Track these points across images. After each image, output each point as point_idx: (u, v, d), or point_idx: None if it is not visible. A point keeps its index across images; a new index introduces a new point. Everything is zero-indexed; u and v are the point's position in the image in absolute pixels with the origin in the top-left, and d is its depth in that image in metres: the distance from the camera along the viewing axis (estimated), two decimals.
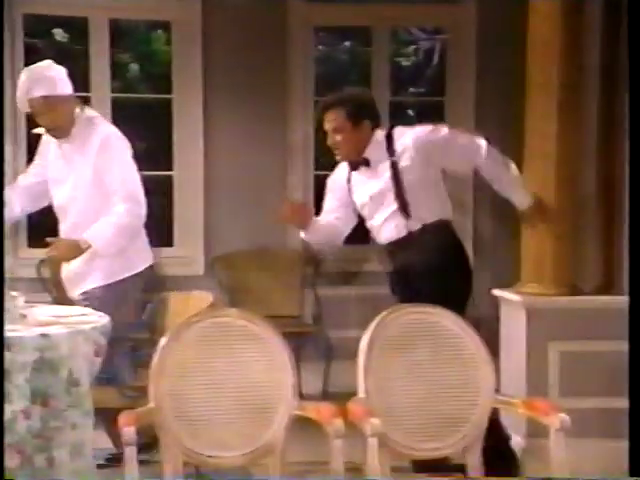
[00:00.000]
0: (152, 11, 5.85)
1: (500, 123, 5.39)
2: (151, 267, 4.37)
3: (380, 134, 4.05)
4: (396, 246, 4.05)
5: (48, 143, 4.33)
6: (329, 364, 5.54)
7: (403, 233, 4.00)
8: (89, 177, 4.18)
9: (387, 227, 4.06)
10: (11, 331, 3.25)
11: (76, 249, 4.11)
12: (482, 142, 4.03)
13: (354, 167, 4.09)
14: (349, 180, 4.15)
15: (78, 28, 5.92)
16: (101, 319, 3.55)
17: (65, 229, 4.29)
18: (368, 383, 3.08)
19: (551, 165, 4.40)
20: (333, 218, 4.17)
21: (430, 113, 6.42)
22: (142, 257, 4.33)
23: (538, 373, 4.39)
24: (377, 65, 6.03)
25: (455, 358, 3.16)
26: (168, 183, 5.89)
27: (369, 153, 4.03)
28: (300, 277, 5.74)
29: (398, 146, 4.01)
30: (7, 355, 3.13)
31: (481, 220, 5.99)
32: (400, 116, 7.18)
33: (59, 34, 7.46)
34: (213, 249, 5.76)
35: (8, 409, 3.13)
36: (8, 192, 4.34)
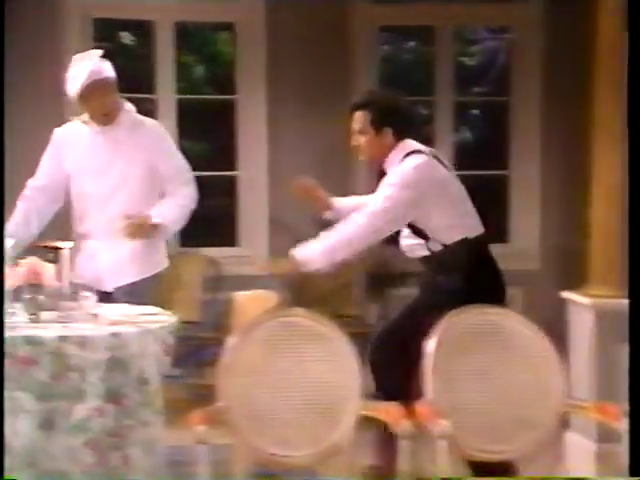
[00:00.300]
0: (216, 13, 5.91)
1: (567, 121, 5.33)
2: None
3: (402, 146, 3.89)
4: (423, 262, 3.96)
5: (72, 136, 4.28)
6: None
7: (426, 252, 3.90)
8: (141, 165, 4.22)
9: (412, 244, 3.95)
10: (83, 330, 3.31)
11: (148, 228, 4.13)
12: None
13: (380, 174, 3.98)
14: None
15: (144, 31, 6.00)
16: (169, 318, 3.60)
17: (103, 219, 4.23)
18: (435, 384, 3.08)
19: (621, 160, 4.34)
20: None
21: (495, 113, 6.37)
22: (165, 255, 4.38)
23: (607, 376, 4.33)
24: (441, 65, 6.01)
25: (524, 360, 3.13)
26: (232, 183, 5.94)
27: (387, 163, 3.92)
28: (363, 276, 5.75)
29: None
30: (81, 354, 3.20)
31: (548, 221, 5.95)
32: (465, 116, 7.15)
33: (126, 37, 7.57)
34: (277, 249, 5.79)
35: (82, 407, 3.19)
36: (19, 205, 4.27)
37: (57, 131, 4.32)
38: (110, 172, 4.21)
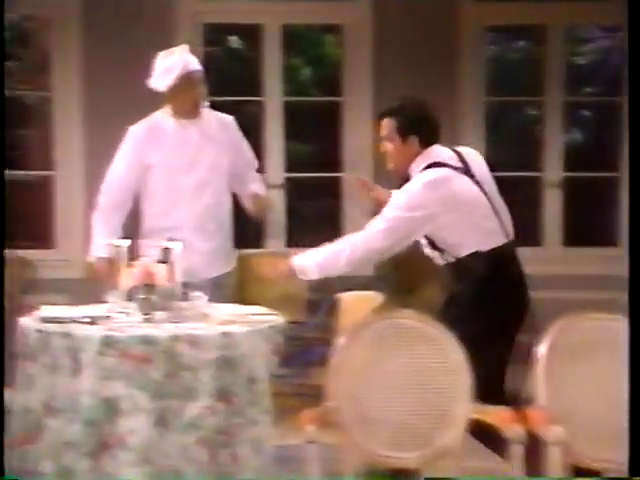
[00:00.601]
0: (324, 15, 5.93)
1: None
2: None
3: (427, 154, 3.82)
4: (444, 271, 3.91)
5: (155, 130, 4.31)
6: None
7: (442, 262, 3.87)
8: (226, 157, 4.33)
9: (430, 252, 3.90)
10: (194, 329, 3.37)
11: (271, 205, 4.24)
12: None
13: (403, 182, 3.90)
14: None
15: (252, 34, 6.08)
16: (277, 318, 3.63)
17: (194, 212, 4.30)
18: (547, 390, 3.03)
19: None
20: None
21: (608, 113, 6.22)
22: None
23: None
24: (551, 64, 5.90)
25: None
26: (337, 185, 5.96)
27: (411, 171, 3.84)
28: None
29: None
30: (192, 352, 3.25)
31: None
32: (575, 117, 7.00)
33: (234, 41, 7.68)
34: None
35: (194, 405, 3.24)
36: (103, 208, 4.32)
37: (134, 128, 4.34)
38: (201, 165, 4.29)
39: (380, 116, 3.93)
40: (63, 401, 3.28)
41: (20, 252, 5.54)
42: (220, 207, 4.39)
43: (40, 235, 6.04)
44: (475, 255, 3.77)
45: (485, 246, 3.78)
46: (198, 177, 4.30)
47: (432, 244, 3.84)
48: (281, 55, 5.78)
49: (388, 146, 3.89)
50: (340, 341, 3.13)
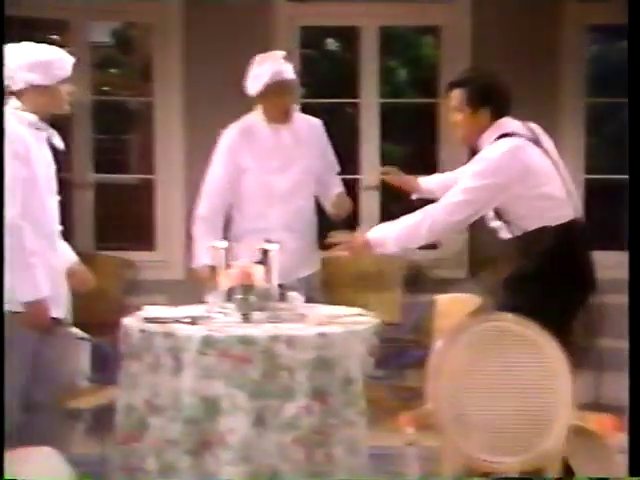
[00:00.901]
0: (421, 17, 5.93)
1: None
2: None
3: (497, 126, 3.76)
4: (507, 245, 3.83)
5: (249, 133, 4.35)
6: (600, 375, 5.35)
7: (509, 235, 3.79)
8: (317, 160, 4.39)
9: (497, 225, 3.84)
10: (292, 330, 3.41)
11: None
12: None
13: (473, 152, 3.88)
14: None
15: (349, 37, 6.11)
16: (373, 320, 3.64)
17: (288, 213, 4.35)
18: None
19: None
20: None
21: None
22: None
23: None
24: None
25: None
26: None
27: (480, 143, 3.79)
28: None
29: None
30: (289, 353, 3.29)
31: None
32: None
33: (331, 44, 7.73)
34: (476, 252, 5.74)
35: (291, 405, 3.27)
36: (206, 211, 4.35)
37: (228, 132, 4.39)
38: (294, 167, 4.35)
39: (450, 87, 3.89)
40: (165, 400, 3.35)
41: (122, 254, 5.70)
42: (309, 208, 4.46)
43: (141, 237, 6.19)
44: (543, 229, 3.72)
45: (553, 221, 3.73)
46: (291, 179, 4.36)
47: (500, 216, 3.79)
48: (378, 57, 5.78)
49: (458, 117, 3.85)
50: (438, 343, 3.12)
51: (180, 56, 5.55)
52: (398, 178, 4.25)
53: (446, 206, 3.72)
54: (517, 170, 3.68)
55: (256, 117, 4.37)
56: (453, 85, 3.86)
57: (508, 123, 3.78)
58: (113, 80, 8.63)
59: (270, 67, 4.25)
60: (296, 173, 4.36)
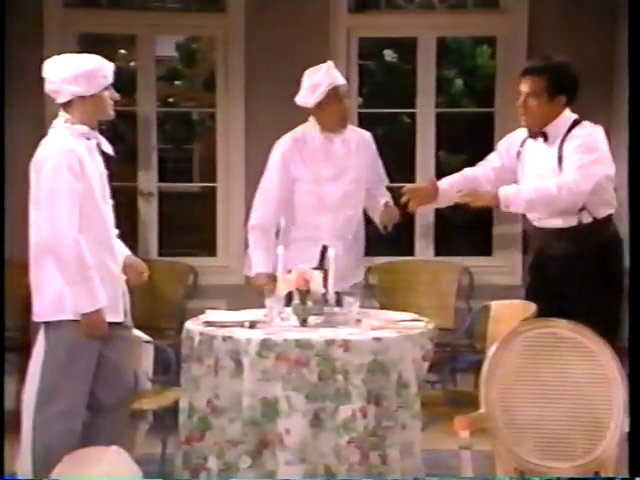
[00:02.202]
0: (478, 27, 5.96)
1: None
2: None
3: (569, 114, 3.92)
4: (560, 234, 3.89)
5: (300, 144, 4.39)
6: None
7: (573, 223, 3.84)
8: (366, 170, 4.45)
9: (555, 211, 3.91)
10: (348, 334, 3.48)
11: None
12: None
13: (533, 135, 3.97)
14: (523, 144, 4.04)
15: (406, 48, 6.15)
16: (427, 325, 3.68)
17: (337, 223, 4.40)
18: None
19: None
20: (481, 171, 4.17)
21: None
22: None
23: None
24: None
25: None
26: None
27: (551, 128, 3.90)
28: None
29: (571, 138, 3.87)
30: (345, 356, 3.35)
31: None
32: None
33: (389, 55, 7.77)
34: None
35: (347, 408, 3.34)
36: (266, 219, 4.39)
37: (282, 141, 4.44)
38: (346, 177, 4.41)
39: (526, 73, 3.96)
40: (226, 401, 3.44)
41: (184, 259, 5.83)
42: (358, 218, 4.51)
43: (203, 243, 6.32)
44: (610, 217, 3.88)
45: (612, 209, 3.90)
46: (343, 189, 4.41)
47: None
48: (434, 67, 5.82)
49: (531, 103, 3.93)
50: (492, 349, 3.15)
51: (242, 68, 5.66)
52: (421, 193, 4.26)
53: (575, 177, 3.80)
54: (604, 152, 3.88)
55: (309, 127, 4.43)
56: (530, 71, 3.95)
57: (568, 112, 3.95)
58: (177, 92, 8.80)
59: (325, 75, 4.32)
60: (347, 183, 4.42)
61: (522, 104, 3.96)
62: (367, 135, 4.58)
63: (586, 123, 3.93)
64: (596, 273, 3.82)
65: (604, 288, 3.81)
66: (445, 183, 4.23)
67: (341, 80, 4.37)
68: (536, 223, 4.08)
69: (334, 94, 4.32)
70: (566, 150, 3.87)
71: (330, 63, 4.38)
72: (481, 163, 4.28)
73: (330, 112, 4.34)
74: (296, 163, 4.40)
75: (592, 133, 3.91)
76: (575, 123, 3.92)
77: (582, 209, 3.85)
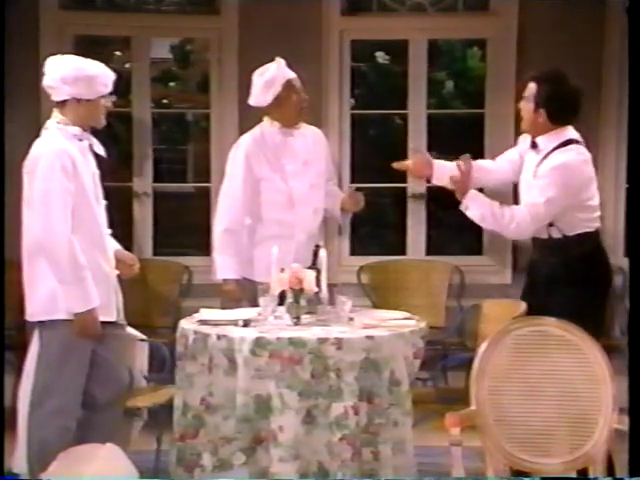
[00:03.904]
0: (468, 30, 5.98)
1: None
2: None
3: (568, 132, 3.91)
4: (537, 244, 3.96)
5: (261, 142, 4.41)
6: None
7: (544, 235, 3.90)
8: (324, 164, 4.51)
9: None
10: (340, 332, 3.52)
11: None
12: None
13: (532, 145, 3.98)
14: (526, 152, 4.05)
15: (398, 50, 6.17)
16: (419, 323, 3.73)
17: (302, 217, 4.41)
18: None
19: None
20: (492, 163, 4.20)
21: None
22: None
23: None
24: None
25: None
26: None
27: (541, 140, 3.90)
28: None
29: (552, 158, 3.86)
30: (338, 354, 3.40)
31: None
32: None
33: (381, 57, 7.81)
34: (519, 259, 5.77)
35: (339, 405, 3.38)
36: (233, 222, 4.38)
37: (242, 143, 4.46)
38: (309, 171, 4.44)
39: (534, 78, 3.98)
40: (220, 399, 3.48)
41: (178, 259, 5.86)
42: (321, 213, 4.54)
43: (197, 243, 6.34)
44: (584, 235, 3.88)
45: (592, 227, 3.91)
46: (309, 182, 4.44)
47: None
48: (426, 69, 5.86)
49: (522, 106, 3.98)
50: (483, 347, 3.19)
51: (235, 70, 5.69)
52: (419, 164, 4.23)
53: (524, 216, 3.85)
54: (585, 180, 3.86)
55: (266, 126, 4.45)
56: (530, 77, 3.98)
57: (570, 130, 3.93)
58: (172, 93, 8.84)
59: (277, 70, 4.35)
60: (311, 176, 4.45)
61: (521, 106, 4.01)
62: (320, 131, 4.64)
63: (572, 147, 3.87)
64: (578, 279, 3.86)
65: (587, 292, 3.85)
66: (442, 163, 4.22)
67: (292, 74, 4.41)
68: None
69: (289, 87, 4.37)
70: (541, 169, 3.88)
71: (279, 59, 4.40)
72: (499, 156, 4.28)
73: (288, 106, 4.38)
74: (259, 162, 4.41)
75: (571, 162, 3.84)
76: (567, 143, 3.88)
77: (550, 225, 3.89)
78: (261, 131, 4.47)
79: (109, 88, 3.61)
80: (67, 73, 3.51)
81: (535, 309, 3.66)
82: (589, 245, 3.91)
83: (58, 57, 3.59)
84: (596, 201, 3.93)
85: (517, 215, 3.87)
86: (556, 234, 3.90)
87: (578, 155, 3.86)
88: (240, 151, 4.44)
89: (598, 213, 3.95)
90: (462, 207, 3.94)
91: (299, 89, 4.42)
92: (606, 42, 5.68)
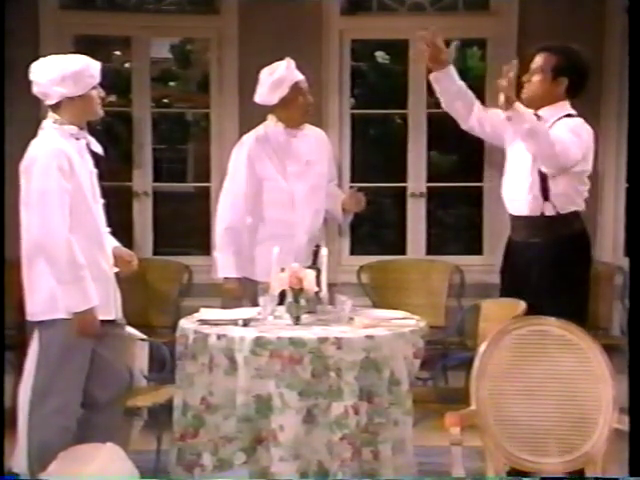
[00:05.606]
0: (468, 29, 5.98)
1: None
2: None
3: (568, 107, 3.95)
4: (524, 222, 3.96)
5: (264, 142, 4.42)
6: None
7: (536, 212, 3.90)
8: (326, 165, 4.52)
9: (522, 198, 3.96)
10: (340, 332, 3.53)
11: None
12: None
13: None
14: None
15: (398, 50, 6.18)
16: (419, 323, 3.73)
17: (303, 218, 4.42)
18: None
19: None
20: (483, 108, 4.26)
21: None
22: None
23: None
24: None
25: None
26: (478, 194, 6.00)
27: (545, 111, 3.93)
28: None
29: (559, 124, 3.90)
30: (338, 354, 3.40)
31: None
32: None
33: (381, 56, 7.81)
34: None
35: (340, 404, 3.38)
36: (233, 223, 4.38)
37: (246, 142, 4.46)
38: (310, 171, 4.45)
39: (540, 49, 3.99)
40: (220, 398, 3.49)
41: (179, 258, 5.87)
42: (322, 214, 4.54)
43: (197, 242, 6.35)
44: (574, 213, 3.93)
45: (580, 206, 3.96)
46: (310, 183, 4.45)
47: (544, 190, 3.92)
48: (426, 68, 5.85)
49: (535, 78, 3.97)
50: (483, 346, 3.20)
51: (235, 69, 5.70)
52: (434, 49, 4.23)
53: (571, 139, 3.84)
54: (589, 148, 3.93)
55: (270, 125, 4.46)
56: (544, 48, 3.98)
57: (568, 105, 3.97)
58: (172, 93, 8.85)
59: (286, 71, 4.35)
60: (313, 177, 4.46)
61: (527, 78, 3.99)
62: (323, 133, 4.65)
63: (576, 118, 3.96)
64: (560, 262, 3.89)
65: (568, 277, 3.87)
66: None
67: (300, 75, 4.42)
68: (508, 207, 4.12)
69: (297, 89, 4.37)
70: (551, 132, 3.89)
71: (289, 59, 4.40)
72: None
73: (294, 107, 4.39)
74: (262, 161, 4.42)
75: (581, 125, 3.93)
76: (569, 116, 3.96)
77: (546, 200, 3.91)
78: (265, 131, 4.47)
79: (97, 78, 3.58)
80: (53, 75, 3.50)
81: (516, 292, 3.78)
82: (578, 225, 3.97)
83: (40, 61, 3.57)
84: (587, 177, 4.00)
85: (563, 140, 3.84)
86: (550, 211, 3.92)
87: (584, 124, 3.95)
88: (243, 150, 4.45)
89: (587, 188, 4.01)
90: (506, 112, 3.74)
91: (306, 91, 4.43)
92: (606, 42, 5.69)
